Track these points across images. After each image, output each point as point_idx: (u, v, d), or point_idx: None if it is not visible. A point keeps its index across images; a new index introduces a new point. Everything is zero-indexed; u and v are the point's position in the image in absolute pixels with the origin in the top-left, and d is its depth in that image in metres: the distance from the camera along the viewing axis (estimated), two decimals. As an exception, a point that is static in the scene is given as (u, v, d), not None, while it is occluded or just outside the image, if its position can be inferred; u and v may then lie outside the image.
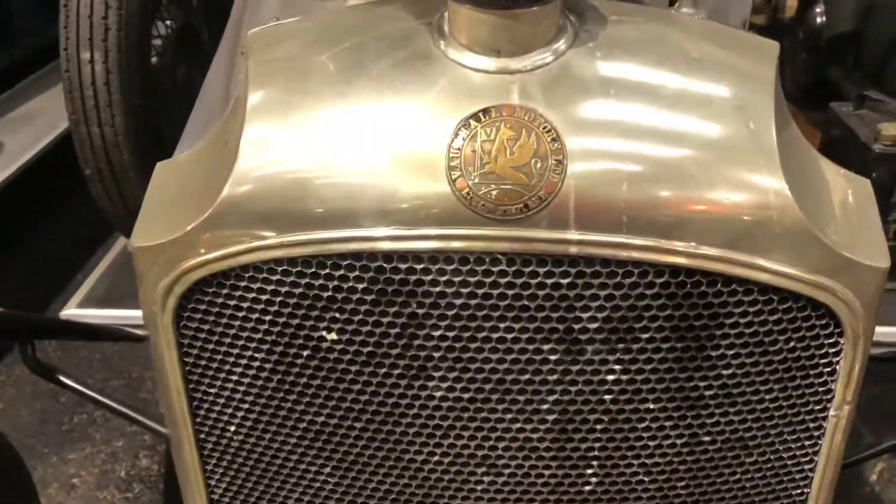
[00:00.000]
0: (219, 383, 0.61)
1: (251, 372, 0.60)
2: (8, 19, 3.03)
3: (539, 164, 0.50)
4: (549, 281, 0.52)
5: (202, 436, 0.65)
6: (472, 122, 0.50)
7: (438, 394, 0.58)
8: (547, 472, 0.61)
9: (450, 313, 0.54)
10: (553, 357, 0.55)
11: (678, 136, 0.52)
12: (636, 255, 0.51)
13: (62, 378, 1.44)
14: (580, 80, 0.52)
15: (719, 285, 0.53)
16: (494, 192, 0.50)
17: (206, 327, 0.59)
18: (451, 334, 0.55)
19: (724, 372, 0.56)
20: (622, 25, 0.56)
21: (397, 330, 0.55)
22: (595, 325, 0.54)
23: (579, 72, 0.53)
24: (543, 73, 0.52)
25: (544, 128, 0.50)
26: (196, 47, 2.22)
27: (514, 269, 0.52)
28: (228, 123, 0.58)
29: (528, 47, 0.52)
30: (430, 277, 0.53)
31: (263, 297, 0.56)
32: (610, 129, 0.51)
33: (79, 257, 2.94)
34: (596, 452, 0.59)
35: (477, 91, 0.52)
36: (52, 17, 3.11)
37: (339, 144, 0.53)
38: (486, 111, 0.50)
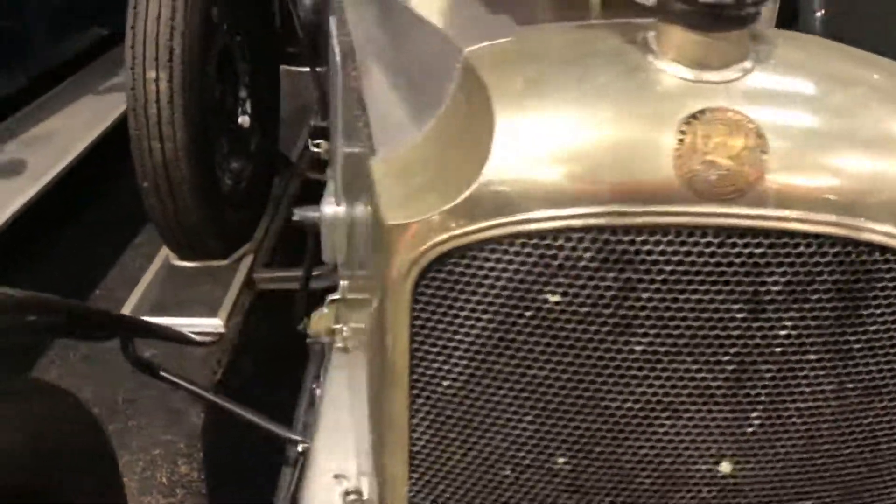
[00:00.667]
0: (442, 342, 0.72)
1: (475, 332, 0.71)
2: (23, 38, 3.08)
3: (747, 154, 0.63)
4: (745, 251, 0.65)
5: (415, 391, 0.76)
6: (692, 120, 0.63)
7: (639, 348, 0.70)
8: (719, 416, 0.73)
9: (658, 278, 0.67)
10: (739, 315, 0.68)
11: (851, 131, 0.65)
12: (819, 229, 0.64)
13: (164, 374, 1.53)
14: (769, 89, 0.66)
15: (877, 254, 0.66)
16: (713, 177, 0.63)
17: (442, 293, 0.70)
18: (656, 296, 0.67)
19: (871, 328, 0.69)
20: (788, 47, 0.70)
21: (612, 293, 0.67)
22: (777, 289, 0.67)
23: (766, 83, 0.66)
24: (739, 84, 0.65)
25: (749, 125, 0.63)
26: (230, 69, 2.33)
27: (718, 240, 0.65)
28: (468, 122, 0.69)
29: (726, 63, 0.65)
30: (646, 248, 0.66)
31: (499, 266, 0.68)
32: (799, 128, 0.65)
33: (97, 273, 2.98)
34: (762, 398, 0.72)
35: (689, 96, 0.64)
36: (65, 36, 3.20)
37: (576, 138, 0.65)
38: (702, 111, 0.63)
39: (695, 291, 0.67)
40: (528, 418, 0.75)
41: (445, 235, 0.67)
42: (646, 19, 0.72)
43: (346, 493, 1.08)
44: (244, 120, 2.42)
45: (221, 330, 1.94)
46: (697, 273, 0.66)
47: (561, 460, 0.77)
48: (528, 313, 0.69)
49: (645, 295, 0.68)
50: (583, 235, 0.66)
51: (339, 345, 1.44)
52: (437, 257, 0.69)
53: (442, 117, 0.75)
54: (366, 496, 1.06)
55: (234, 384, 2.36)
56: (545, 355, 0.71)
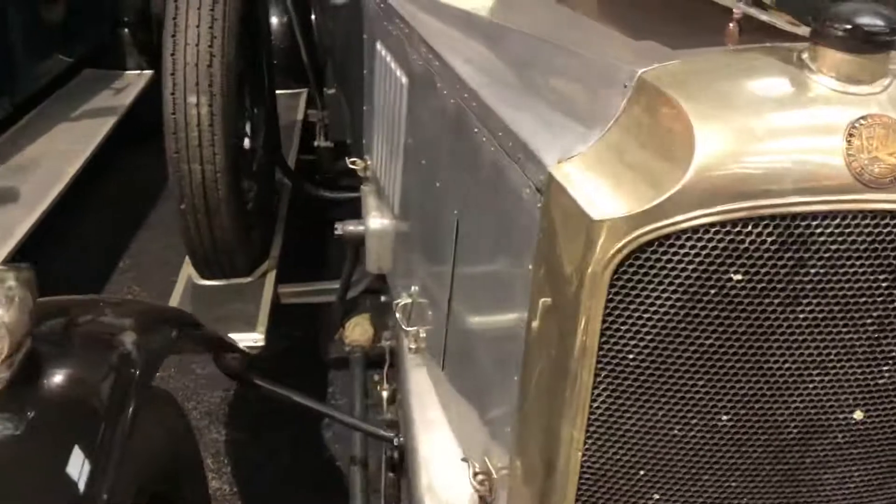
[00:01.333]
0: (632, 321, 0.85)
1: (663, 309, 0.83)
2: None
3: (903, 151, 0.78)
4: (894, 230, 0.80)
5: (600, 365, 0.88)
6: (858, 125, 0.78)
7: (802, 315, 0.84)
8: (858, 371, 0.87)
9: (825, 256, 0.81)
10: (884, 284, 0.83)
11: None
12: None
13: (258, 381, 1.59)
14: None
15: None
16: (877, 170, 0.77)
17: (637, 277, 0.82)
18: (822, 271, 0.82)
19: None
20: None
21: (786, 269, 0.81)
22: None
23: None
24: (884, 95, 0.80)
25: (901, 127, 0.78)
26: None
27: (874, 221, 0.80)
28: (651, 130, 0.82)
29: (873, 78, 0.80)
30: (818, 230, 0.80)
31: (693, 252, 0.80)
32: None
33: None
34: (894, 353, 0.87)
35: (850, 105, 0.79)
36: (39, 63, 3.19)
37: (762, 141, 0.79)
38: (864, 118, 0.78)
39: (852, 265, 0.82)
40: (701, 382, 0.88)
41: (650, 227, 0.80)
42: (786, 43, 0.87)
43: (476, 475, 1.18)
44: (246, 142, 2.49)
45: (262, 343, 2.01)
46: (856, 250, 0.81)
47: (725, 417, 0.90)
48: (712, 291, 0.82)
49: (813, 270, 0.82)
50: (768, 222, 0.79)
51: (412, 346, 1.54)
52: (638, 246, 0.81)
53: (617, 126, 0.87)
54: (494, 475, 1.16)
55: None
56: (723, 326, 0.84)
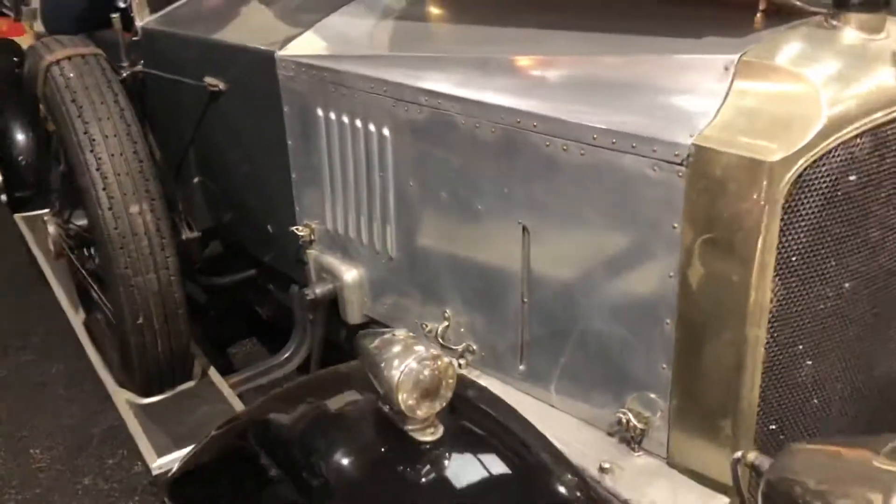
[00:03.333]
0: (793, 231, 1.15)
1: (812, 214, 1.15)
2: None
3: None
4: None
5: (774, 273, 1.16)
6: (891, 57, 1.16)
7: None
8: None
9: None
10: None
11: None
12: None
13: None
14: (899, 37, 1.22)
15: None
16: (915, 83, 1.17)
17: (795, 198, 1.13)
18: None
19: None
20: None
21: (885, 168, 1.17)
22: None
23: None
24: (891, 39, 1.20)
25: (913, 55, 1.18)
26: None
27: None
28: (774, 95, 1.14)
29: (881, 29, 1.20)
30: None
31: (825, 169, 1.13)
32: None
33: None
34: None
35: (881, 47, 1.17)
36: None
37: (847, 88, 1.14)
38: (893, 52, 1.17)
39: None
40: (833, 261, 1.21)
41: (802, 160, 1.11)
42: (807, 17, 1.24)
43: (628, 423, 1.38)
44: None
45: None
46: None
47: (847, 285, 1.24)
48: (839, 193, 1.16)
49: (898, 162, 1.19)
50: (866, 134, 1.15)
51: (461, 362, 1.69)
52: (797, 176, 1.12)
53: (732, 98, 1.17)
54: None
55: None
56: (848, 216, 1.18)
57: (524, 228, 1.48)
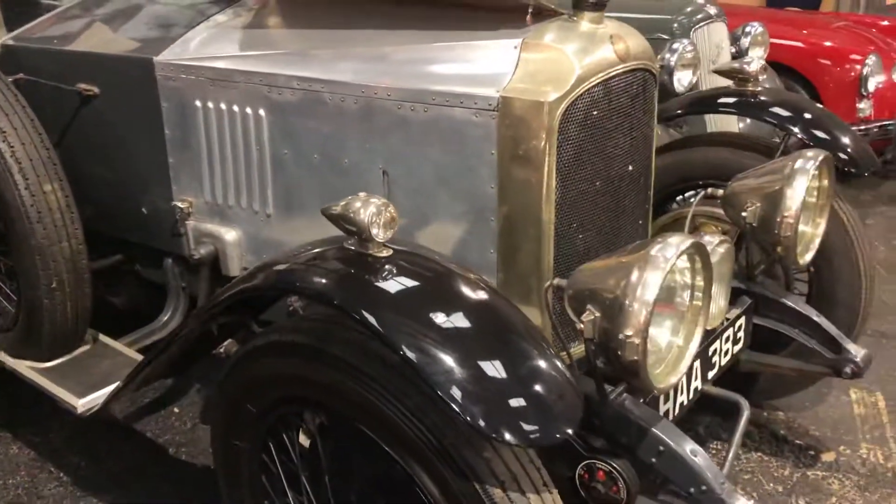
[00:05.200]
0: (564, 148, 1.83)
1: (574, 135, 1.84)
2: None
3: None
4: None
5: (556, 174, 1.84)
6: (611, 37, 1.90)
7: (617, 127, 1.94)
8: (633, 152, 2.02)
9: (617, 95, 1.92)
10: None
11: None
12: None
13: None
14: (611, 23, 1.96)
15: (649, 73, 2.03)
16: (622, 52, 1.91)
17: (564, 126, 1.81)
18: (621, 102, 1.93)
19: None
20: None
21: (611, 105, 1.90)
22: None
23: (609, 22, 1.96)
24: (611, 26, 1.94)
25: (616, 30, 1.93)
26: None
27: (632, 73, 1.93)
28: (545, 64, 1.82)
29: (602, 21, 1.94)
30: (615, 84, 1.90)
31: (581, 105, 1.83)
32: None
33: None
34: (637, 134, 2.03)
35: (605, 31, 1.91)
36: None
37: (588, 51, 1.85)
38: (612, 35, 1.91)
39: (627, 102, 1.95)
40: (588, 167, 1.91)
41: (568, 99, 1.80)
42: (562, 14, 1.95)
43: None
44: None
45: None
46: (627, 93, 1.94)
47: (598, 183, 1.95)
48: (588, 121, 1.87)
49: (617, 102, 1.92)
50: (600, 84, 1.87)
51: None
52: (564, 110, 1.81)
53: (521, 65, 1.84)
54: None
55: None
56: (593, 137, 1.89)
57: (384, 172, 2.07)
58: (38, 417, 2.85)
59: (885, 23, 6.42)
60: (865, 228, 4.66)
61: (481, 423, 1.28)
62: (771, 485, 2.57)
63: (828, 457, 2.70)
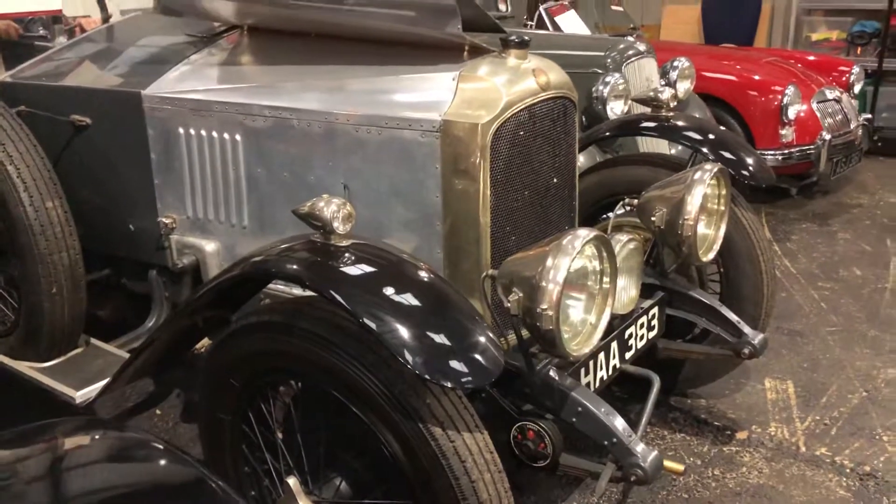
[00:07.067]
0: (496, 164, 2.19)
1: (504, 152, 2.21)
2: None
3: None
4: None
5: (491, 187, 2.20)
6: (535, 69, 2.28)
7: (538, 148, 2.31)
8: (556, 169, 2.38)
9: (539, 118, 2.29)
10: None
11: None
12: (562, 93, 2.36)
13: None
14: (534, 59, 2.34)
15: (569, 100, 2.41)
16: (543, 83, 2.28)
17: (494, 144, 2.17)
18: (540, 125, 2.30)
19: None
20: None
21: (533, 127, 2.27)
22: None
23: (533, 59, 2.34)
24: (533, 62, 2.32)
25: (542, 73, 2.31)
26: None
27: (552, 100, 2.31)
28: (478, 92, 2.18)
29: (526, 56, 2.31)
30: (536, 110, 2.27)
31: (509, 127, 2.19)
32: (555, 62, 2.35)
33: None
34: (560, 151, 2.41)
35: (528, 65, 2.29)
36: None
37: (514, 83, 2.23)
38: (535, 69, 2.29)
39: (548, 124, 2.32)
40: (518, 180, 2.27)
41: (498, 121, 2.17)
42: (492, 51, 2.33)
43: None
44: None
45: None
46: (548, 116, 2.32)
47: (526, 193, 2.31)
48: (515, 139, 2.23)
49: (538, 125, 2.29)
50: (525, 110, 2.24)
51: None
52: (495, 131, 2.17)
53: (459, 94, 2.21)
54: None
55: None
56: (520, 154, 2.26)
57: (345, 186, 2.42)
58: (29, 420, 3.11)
59: (812, 57, 6.98)
60: (790, 243, 5.11)
61: (424, 370, 1.61)
62: (691, 459, 2.92)
63: (741, 435, 3.07)
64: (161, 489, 1.22)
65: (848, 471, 2.83)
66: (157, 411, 3.26)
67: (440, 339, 1.68)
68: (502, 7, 5.94)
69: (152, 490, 1.22)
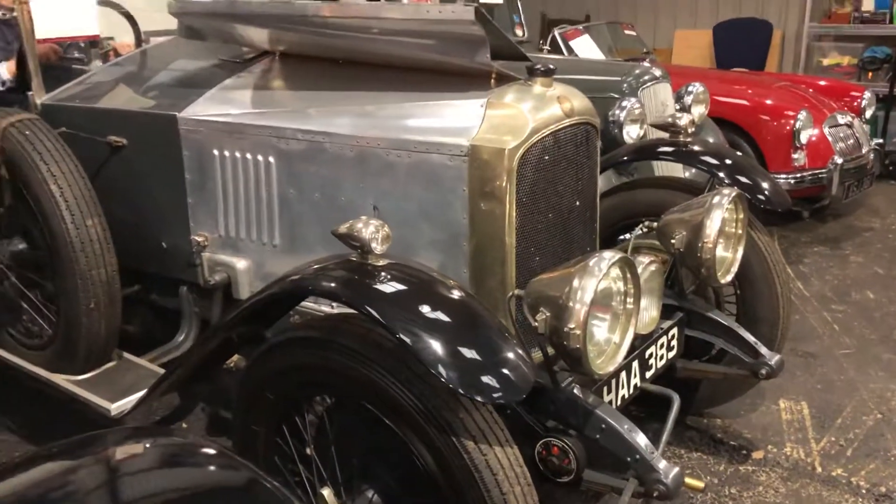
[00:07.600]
0: (522, 187, 2.27)
1: (530, 176, 2.29)
2: None
3: (571, 104, 2.40)
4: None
5: (518, 208, 2.28)
6: (560, 96, 2.37)
7: (563, 172, 2.39)
8: (580, 193, 2.47)
9: (565, 146, 2.38)
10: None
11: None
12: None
13: None
14: (560, 86, 2.43)
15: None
16: (568, 109, 2.37)
17: (521, 169, 2.25)
18: (567, 151, 2.38)
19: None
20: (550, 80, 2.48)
21: (559, 152, 2.35)
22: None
23: (560, 86, 2.43)
24: (558, 89, 2.41)
25: (566, 96, 2.40)
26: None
27: (578, 127, 2.39)
28: (505, 117, 2.27)
29: (552, 84, 2.40)
30: (562, 136, 2.36)
31: (535, 152, 2.28)
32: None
33: None
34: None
35: (554, 92, 2.37)
36: None
37: (540, 109, 2.31)
38: (561, 96, 2.37)
39: (573, 151, 2.41)
40: (543, 202, 2.35)
41: (525, 146, 2.25)
42: (518, 79, 2.42)
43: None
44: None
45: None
46: (573, 141, 2.40)
47: (550, 215, 2.39)
48: (528, 164, 2.32)
49: (562, 150, 2.38)
50: (550, 136, 2.32)
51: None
52: (521, 156, 2.26)
53: (486, 120, 2.29)
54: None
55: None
56: (540, 179, 2.34)
57: (375, 207, 2.50)
58: (56, 434, 3.19)
59: (823, 82, 7.07)
60: (802, 266, 5.17)
61: (458, 385, 1.68)
62: (708, 477, 2.97)
63: (757, 454, 3.12)
64: (218, 492, 1.28)
65: (864, 491, 2.88)
66: (184, 425, 3.34)
67: (473, 355, 1.75)
68: (519, 32, 6.06)
69: (210, 493, 1.28)
